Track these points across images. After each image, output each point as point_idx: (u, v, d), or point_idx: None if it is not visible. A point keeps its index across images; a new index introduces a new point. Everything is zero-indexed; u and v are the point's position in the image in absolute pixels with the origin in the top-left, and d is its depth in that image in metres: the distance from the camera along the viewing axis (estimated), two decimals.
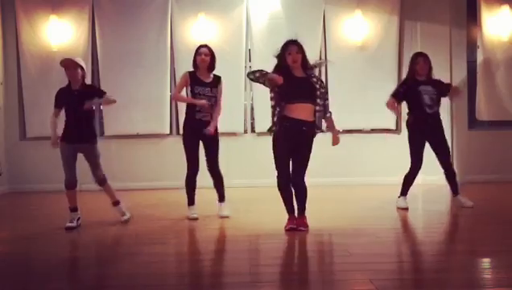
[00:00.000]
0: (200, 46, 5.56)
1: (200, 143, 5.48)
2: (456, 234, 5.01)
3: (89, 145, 5.21)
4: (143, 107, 8.13)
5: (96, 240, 4.90)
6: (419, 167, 5.80)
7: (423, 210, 6.03)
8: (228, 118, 7.95)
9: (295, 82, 4.67)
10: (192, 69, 5.53)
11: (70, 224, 5.15)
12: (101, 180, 5.28)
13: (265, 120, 8.17)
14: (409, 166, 5.81)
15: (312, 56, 8.02)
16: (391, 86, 8.10)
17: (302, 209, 4.79)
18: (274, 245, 4.43)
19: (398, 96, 5.83)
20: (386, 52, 8.18)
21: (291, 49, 4.67)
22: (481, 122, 8.31)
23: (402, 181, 5.86)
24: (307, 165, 4.75)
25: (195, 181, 5.50)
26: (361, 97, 8.12)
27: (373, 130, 8.25)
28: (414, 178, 5.85)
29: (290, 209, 4.81)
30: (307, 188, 4.80)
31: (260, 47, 8.14)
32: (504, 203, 6.41)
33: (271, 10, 8.20)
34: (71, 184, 5.18)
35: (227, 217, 5.48)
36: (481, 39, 8.16)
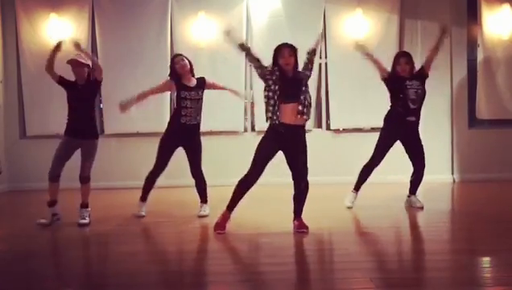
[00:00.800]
0: (175, 55, 5.70)
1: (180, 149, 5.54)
2: (456, 233, 5.00)
3: (91, 141, 5.27)
4: (143, 106, 8.11)
5: (95, 238, 4.90)
6: (377, 165, 5.78)
7: (422, 209, 6.01)
8: (228, 117, 7.98)
9: (288, 82, 4.64)
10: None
11: (42, 221, 5.19)
12: (86, 178, 5.31)
13: (264, 118, 8.21)
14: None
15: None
16: None
17: (301, 211, 4.78)
18: (274, 243, 4.43)
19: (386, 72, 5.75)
20: (386, 51, 8.12)
21: (284, 52, 4.66)
22: (481, 120, 8.30)
23: (359, 174, 5.86)
24: (307, 166, 4.71)
25: (155, 181, 5.59)
26: (360, 95, 8.11)
27: (373, 129, 8.24)
28: (369, 174, 5.83)
29: (233, 206, 4.77)
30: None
31: (260, 45, 8.11)
32: (504, 202, 6.40)
33: (271, 8, 8.19)
34: (53, 175, 5.20)
35: (206, 215, 5.49)
36: (482, 38, 8.14)
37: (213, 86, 5.72)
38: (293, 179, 4.74)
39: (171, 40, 8.15)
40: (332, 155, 7.93)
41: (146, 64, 8.08)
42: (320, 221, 5.00)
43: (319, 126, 8.32)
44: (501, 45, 8.14)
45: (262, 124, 7.77)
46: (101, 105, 8.22)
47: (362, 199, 6.60)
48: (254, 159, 4.71)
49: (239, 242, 4.53)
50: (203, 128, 5.74)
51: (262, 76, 4.69)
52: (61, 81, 5.22)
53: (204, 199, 5.63)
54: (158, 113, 8.18)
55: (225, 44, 7.99)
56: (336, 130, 8.32)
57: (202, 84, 5.57)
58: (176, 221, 5.41)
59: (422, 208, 5.74)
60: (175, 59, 5.56)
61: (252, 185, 4.72)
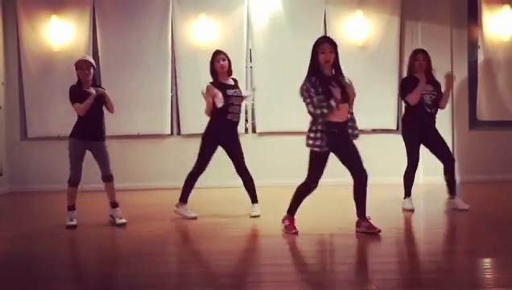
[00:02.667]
0: (217, 52, 5.60)
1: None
2: (457, 234, 5.01)
3: (99, 142, 5.30)
4: (144, 107, 8.14)
5: (98, 240, 4.90)
6: (416, 166, 5.75)
7: (423, 210, 6.02)
8: None
9: (329, 84, 4.54)
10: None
11: (71, 222, 5.20)
12: (109, 176, 5.36)
13: (266, 120, 8.22)
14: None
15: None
16: (392, 86, 8.14)
17: (364, 209, 4.76)
18: (276, 245, 4.43)
19: (411, 87, 5.67)
20: (386, 52, 8.18)
21: (325, 48, 4.53)
22: (482, 122, 8.30)
23: (403, 182, 5.84)
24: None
25: (196, 181, 5.54)
26: (361, 97, 8.04)
27: (373, 131, 8.25)
28: (413, 176, 5.80)
29: (295, 210, 4.75)
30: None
31: (261, 47, 8.14)
32: (504, 203, 6.40)
33: (272, 10, 8.19)
34: (75, 181, 5.25)
35: (258, 216, 5.47)
36: (482, 39, 8.15)
37: None
38: (353, 175, 4.68)
39: (172, 42, 8.17)
40: (334, 157, 7.92)
41: (147, 66, 8.10)
42: (321, 222, 5.00)
43: None
44: (502, 46, 8.15)
45: (263, 126, 7.84)
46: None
47: None
48: (311, 168, 4.58)
49: (240, 243, 4.54)
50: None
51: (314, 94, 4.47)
52: (77, 101, 5.19)
53: (254, 198, 5.59)
54: (158, 115, 8.19)
55: (226, 46, 8.07)
56: None
57: (237, 84, 5.66)
58: (177, 223, 5.40)
59: (467, 210, 5.60)
60: (216, 57, 5.53)
61: (313, 190, 4.66)
